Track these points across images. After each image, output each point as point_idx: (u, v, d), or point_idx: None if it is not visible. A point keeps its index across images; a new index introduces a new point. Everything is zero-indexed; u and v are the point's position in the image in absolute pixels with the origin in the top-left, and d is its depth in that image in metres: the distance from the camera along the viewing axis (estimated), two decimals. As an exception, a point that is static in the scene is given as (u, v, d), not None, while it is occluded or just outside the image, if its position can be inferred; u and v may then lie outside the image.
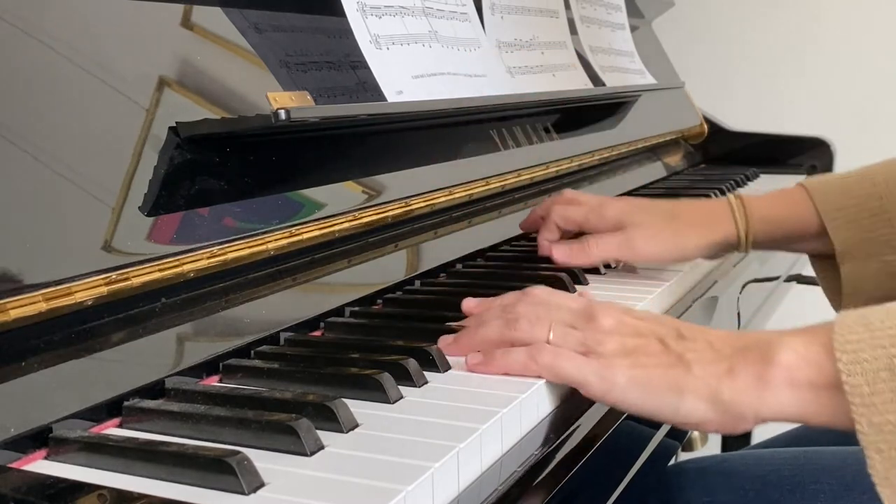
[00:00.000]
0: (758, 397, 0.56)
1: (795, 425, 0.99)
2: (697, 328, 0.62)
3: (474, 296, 0.80)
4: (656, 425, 0.70)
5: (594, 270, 0.90)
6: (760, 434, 1.74)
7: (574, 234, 0.93)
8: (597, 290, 0.85)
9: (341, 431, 0.52)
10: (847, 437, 0.57)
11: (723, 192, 1.42)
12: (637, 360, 0.59)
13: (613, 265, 0.95)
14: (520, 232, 1.04)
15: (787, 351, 0.56)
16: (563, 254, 0.89)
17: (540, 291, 0.68)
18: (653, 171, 1.52)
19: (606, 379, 0.59)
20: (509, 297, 0.69)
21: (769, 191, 0.96)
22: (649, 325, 0.62)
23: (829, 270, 0.93)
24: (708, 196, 1.34)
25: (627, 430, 0.63)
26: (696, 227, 0.91)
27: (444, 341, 0.66)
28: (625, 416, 0.62)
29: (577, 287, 0.85)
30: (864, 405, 0.52)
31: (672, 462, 0.93)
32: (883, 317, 0.54)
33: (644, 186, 1.44)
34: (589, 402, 0.62)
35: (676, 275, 0.90)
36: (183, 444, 0.49)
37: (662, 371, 0.58)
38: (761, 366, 0.56)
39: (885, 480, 0.53)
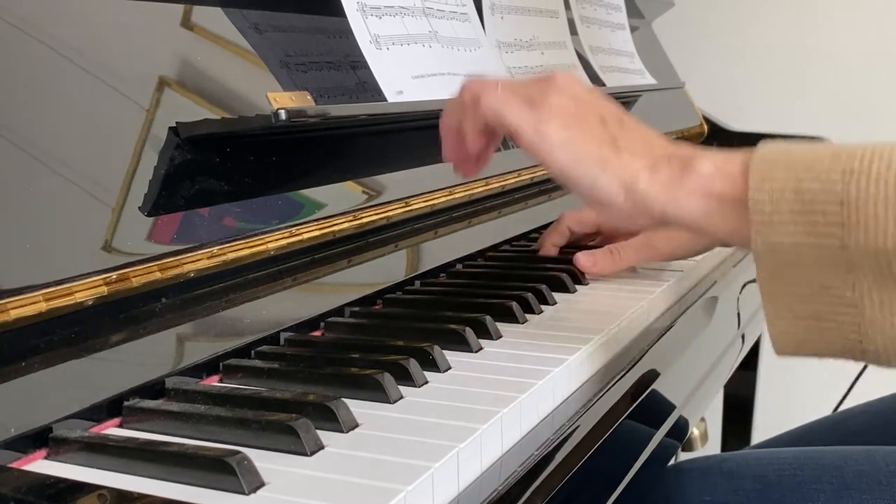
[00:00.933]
0: (668, 196, 0.58)
1: (796, 426, 1.00)
2: (639, 124, 0.63)
3: (474, 296, 0.80)
4: (657, 425, 0.70)
5: None
6: (761, 436, 1.74)
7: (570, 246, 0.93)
8: (596, 289, 0.85)
9: (341, 431, 0.52)
10: (848, 438, 0.57)
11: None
12: (574, 124, 0.61)
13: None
14: (520, 232, 1.04)
15: (706, 162, 0.59)
16: (588, 261, 0.88)
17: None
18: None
19: (540, 132, 0.60)
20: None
21: None
22: (597, 102, 0.63)
23: None
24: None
25: (627, 429, 0.63)
26: None
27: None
28: (625, 415, 0.62)
29: (578, 287, 0.85)
30: (762, 223, 0.54)
31: (672, 462, 0.93)
32: (804, 150, 0.56)
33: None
34: (589, 402, 0.62)
35: (676, 275, 0.90)
36: (183, 444, 0.49)
37: (595, 144, 0.60)
38: (680, 170, 0.59)
39: (769, 296, 0.56)
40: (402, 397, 0.58)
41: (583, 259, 0.88)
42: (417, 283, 0.85)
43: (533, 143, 0.61)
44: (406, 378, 0.60)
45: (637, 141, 0.61)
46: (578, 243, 0.96)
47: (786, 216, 0.53)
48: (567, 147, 0.60)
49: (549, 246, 0.94)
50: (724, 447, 1.73)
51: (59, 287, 0.55)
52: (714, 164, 0.58)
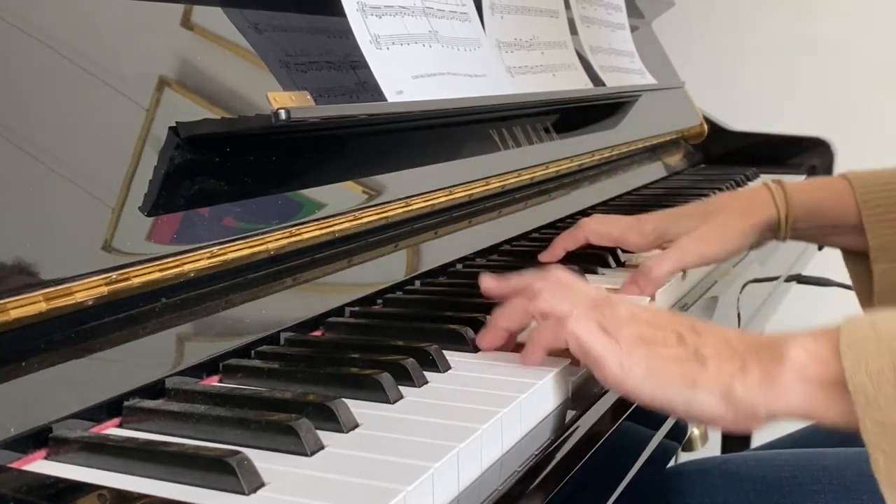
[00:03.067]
0: (769, 394, 0.56)
1: (796, 428, 1.00)
2: (711, 325, 0.62)
3: (474, 296, 0.80)
4: (656, 425, 0.70)
5: (594, 271, 0.90)
6: (761, 437, 1.74)
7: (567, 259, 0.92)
8: (597, 289, 0.85)
9: (341, 431, 0.52)
10: (848, 439, 0.57)
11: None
12: (654, 351, 0.59)
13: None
14: (520, 232, 1.04)
15: (797, 348, 0.56)
16: (633, 290, 0.85)
17: (559, 273, 0.68)
18: (653, 171, 1.52)
19: (624, 366, 0.59)
20: (528, 276, 0.69)
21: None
22: (666, 319, 0.62)
23: (862, 268, 0.91)
24: (708, 196, 1.34)
25: (627, 430, 0.63)
26: (738, 215, 0.90)
27: (479, 337, 0.67)
28: (625, 416, 0.62)
29: (577, 287, 0.85)
30: (868, 405, 0.52)
31: (672, 463, 0.93)
32: (890, 319, 0.54)
33: (644, 186, 1.44)
34: (589, 402, 0.62)
35: (676, 275, 0.90)
36: (183, 444, 0.49)
37: (678, 364, 0.58)
38: (773, 363, 0.56)
39: (889, 480, 0.53)
40: (402, 397, 0.58)
41: (628, 291, 0.85)
42: (417, 283, 0.85)
43: (619, 380, 0.59)
44: (406, 378, 0.60)
45: (718, 344, 0.59)
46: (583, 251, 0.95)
47: (891, 395, 0.52)
48: (652, 376, 0.58)
49: (560, 250, 0.93)
50: (724, 448, 1.73)
51: (59, 287, 0.55)
52: (805, 349, 0.56)
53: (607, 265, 0.93)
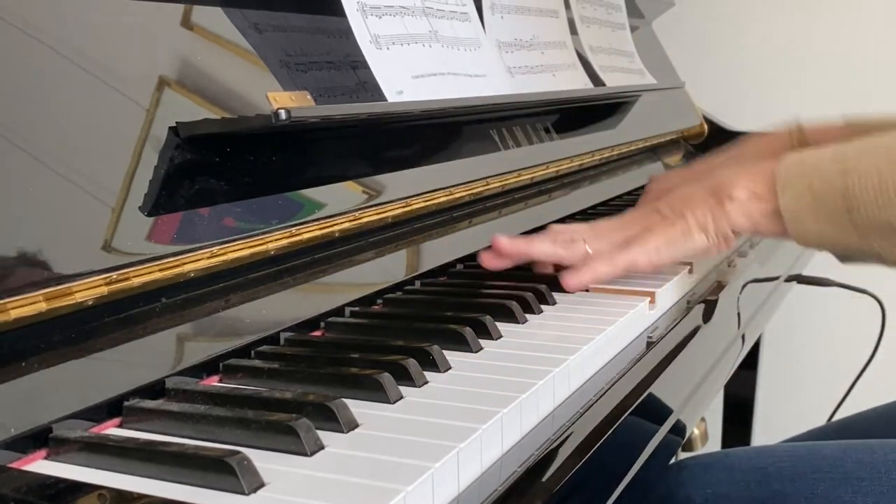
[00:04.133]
0: (727, 221, 0.80)
1: (794, 434, 1.00)
2: (673, 193, 0.85)
3: (474, 296, 0.80)
4: (659, 421, 0.70)
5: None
6: (761, 435, 1.74)
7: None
8: (597, 289, 0.85)
9: (341, 431, 0.52)
10: (848, 435, 0.57)
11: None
12: (658, 233, 0.83)
13: None
14: (520, 232, 1.03)
15: (739, 189, 0.80)
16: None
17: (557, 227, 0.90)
18: (653, 171, 1.52)
19: (646, 251, 0.82)
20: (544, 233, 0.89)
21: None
22: (639, 213, 0.87)
23: None
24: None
25: (627, 430, 0.63)
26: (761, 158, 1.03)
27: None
28: (625, 415, 0.62)
29: (578, 287, 0.85)
30: (791, 219, 0.76)
31: (673, 461, 0.93)
32: (812, 155, 0.77)
33: (644, 186, 1.43)
34: (589, 404, 0.62)
35: (676, 275, 0.90)
36: (183, 444, 0.49)
37: (672, 229, 0.82)
38: (727, 203, 0.80)
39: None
40: (402, 397, 0.58)
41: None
42: (417, 283, 0.85)
43: (648, 262, 0.83)
44: (406, 378, 0.60)
45: (687, 203, 0.83)
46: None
47: (806, 211, 0.75)
48: (663, 247, 0.83)
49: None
50: (724, 447, 1.73)
51: (59, 287, 0.55)
52: (746, 190, 0.80)
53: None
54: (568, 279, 0.82)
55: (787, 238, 0.78)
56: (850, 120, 1.07)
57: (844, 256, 0.79)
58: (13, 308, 0.52)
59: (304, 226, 0.74)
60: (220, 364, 0.62)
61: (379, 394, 0.57)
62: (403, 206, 0.86)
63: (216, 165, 0.71)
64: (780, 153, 1.00)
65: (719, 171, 1.02)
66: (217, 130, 0.71)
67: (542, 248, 0.85)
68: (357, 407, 0.54)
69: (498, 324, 0.72)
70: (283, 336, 0.68)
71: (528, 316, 0.76)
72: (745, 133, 1.73)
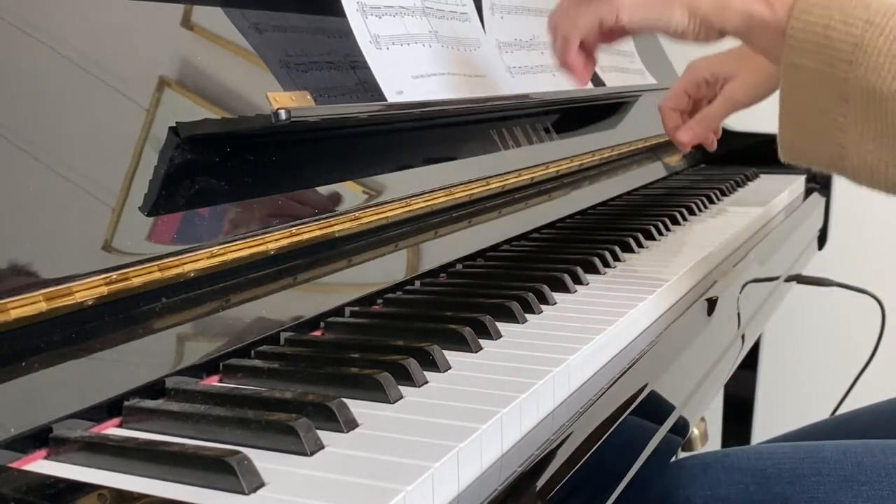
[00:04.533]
0: (722, 14, 0.73)
1: (794, 428, 1.00)
2: None
3: (474, 296, 0.80)
4: (659, 421, 0.70)
5: (594, 270, 0.91)
6: (761, 435, 1.74)
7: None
8: (597, 289, 0.85)
9: (341, 431, 0.52)
10: (848, 435, 0.57)
11: (723, 193, 1.42)
12: None
13: None
14: (520, 232, 1.04)
15: None
16: (687, 135, 1.09)
17: None
18: (653, 171, 1.52)
19: (617, 6, 0.77)
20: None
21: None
22: None
23: None
24: (708, 196, 1.34)
25: (627, 430, 0.63)
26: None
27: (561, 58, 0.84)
28: (625, 415, 0.62)
29: (578, 287, 0.85)
30: (793, 47, 0.68)
31: (672, 460, 0.93)
32: None
33: (644, 186, 1.44)
34: (589, 404, 0.62)
35: (676, 275, 0.90)
36: (183, 444, 0.49)
37: None
38: None
39: (785, 108, 0.69)
40: (402, 397, 0.58)
41: (682, 135, 1.08)
42: (417, 283, 0.85)
43: (616, 20, 0.77)
44: (406, 378, 0.60)
45: None
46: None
47: (811, 45, 0.67)
48: (639, 5, 0.77)
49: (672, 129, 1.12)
50: (724, 447, 1.73)
51: (59, 287, 0.55)
52: None
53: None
54: None
55: (768, 60, 0.72)
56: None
57: (794, 137, 0.71)
58: (13, 308, 0.52)
59: (304, 226, 0.74)
60: (220, 364, 0.62)
61: (379, 394, 0.57)
62: (403, 206, 0.86)
63: (216, 165, 0.71)
64: None
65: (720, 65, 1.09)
66: (217, 130, 0.71)
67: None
68: (357, 407, 0.54)
69: (498, 324, 0.72)
70: (283, 336, 0.68)
71: (528, 316, 0.76)
72: (745, 133, 1.74)
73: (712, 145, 1.14)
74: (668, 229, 1.14)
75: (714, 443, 1.77)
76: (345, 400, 0.54)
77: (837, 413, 1.28)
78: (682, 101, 1.12)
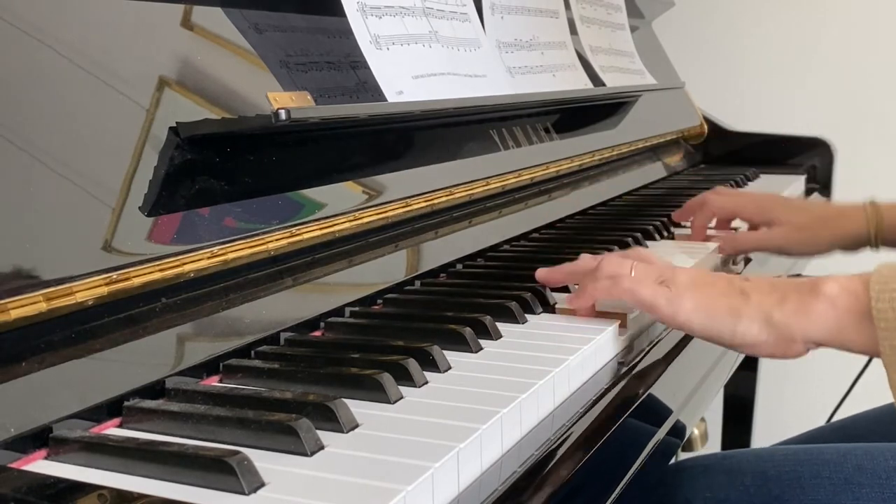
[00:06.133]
0: (804, 320, 0.65)
1: (795, 434, 1.00)
2: (764, 277, 0.72)
3: (474, 296, 0.80)
4: (656, 426, 0.70)
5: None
6: (761, 435, 1.74)
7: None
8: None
9: (341, 431, 0.52)
10: (848, 439, 0.57)
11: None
12: (703, 291, 0.69)
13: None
14: (520, 232, 1.04)
15: (831, 283, 0.65)
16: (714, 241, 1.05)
17: (637, 251, 0.82)
18: (653, 171, 1.52)
19: (675, 302, 0.68)
20: (586, 257, 0.80)
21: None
22: (719, 274, 0.73)
23: None
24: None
25: (627, 430, 0.63)
26: (831, 227, 1.05)
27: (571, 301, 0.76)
28: (625, 416, 0.62)
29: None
30: (887, 329, 0.61)
31: (672, 461, 0.93)
32: None
33: (644, 186, 1.44)
34: (589, 404, 0.62)
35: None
36: (183, 444, 0.49)
37: (724, 299, 0.68)
38: (809, 295, 0.65)
39: None
40: (402, 397, 0.58)
41: (702, 235, 1.08)
42: (417, 283, 0.85)
43: (671, 316, 0.69)
44: (406, 378, 0.60)
45: (762, 283, 0.68)
46: None
47: None
48: (699, 310, 0.68)
49: (699, 229, 1.10)
50: (724, 447, 1.73)
51: (59, 287, 0.55)
52: (838, 284, 0.65)
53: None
54: (571, 298, 0.76)
55: (871, 353, 0.64)
56: None
57: None
58: (13, 308, 0.52)
59: (304, 226, 0.74)
60: (220, 364, 0.62)
61: (379, 394, 0.57)
62: (403, 206, 0.86)
63: (216, 165, 0.71)
64: (848, 228, 1.04)
65: (778, 208, 1.07)
66: (217, 130, 0.71)
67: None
68: (357, 407, 0.54)
69: (498, 324, 0.72)
70: (283, 336, 0.68)
71: (528, 316, 0.76)
72: (745, 133, 1.74)
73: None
74: (667, 229, 1.14)
75: (714, 443, 1.77)
76: (345, 400, 0.54)
77: (837, 414, 1.28)
78: (727, 216, 1.11)
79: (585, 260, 0.79)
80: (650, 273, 0.72)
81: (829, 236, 1.05)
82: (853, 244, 1.06)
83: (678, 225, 1.19)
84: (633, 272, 0.72)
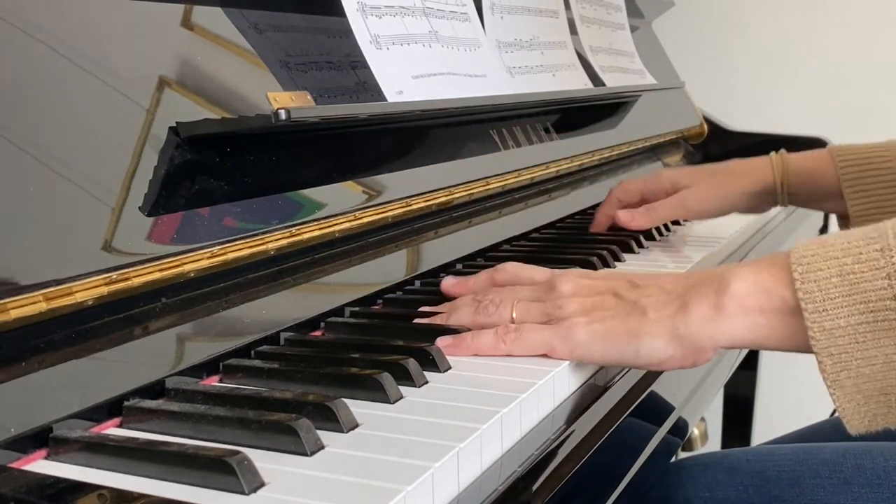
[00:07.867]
0: (712, 326, 0.60)
1: (796, 428, 1.00)
2: (649, 276, 0.65)
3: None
4: (656, 425, 0.70)
5: (593, 267, 0.91)
6: (761, 435, 1.74)
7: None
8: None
9: (341, 431, 0.52)
10: (848, 437, 0.57)
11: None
12: (595, 316, 0.63)
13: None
14: (520, 232, 1.04)
15: (738, 281, 0.60)
16: (627, 216, 1.03)
17: (509, 266, 0.73)
18: (653, 171, 1.52)
19: (568, 339, 0.63)
20: (481, 277, 0.74)
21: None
22: (604, 282, 0.65)
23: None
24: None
25: (627, 430, 0.63)
26: (738, 177, 1.05)
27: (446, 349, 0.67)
28: (625, 415, 0.62)
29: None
30: (816, 311, 0.56)
31: (672, 460, 0.93)
32: (836, 236, 0.58)
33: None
34: (589, 404, 0.62)
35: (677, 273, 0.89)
36: (183, 444, 0.49)
37: (620, 321, 0.62)
38: (714, 297, 0.60)
39: (835, 382, 0.57)
40: (402, 397, 0.58)
41: (622, 215, 1.03)
42: (417, 283, 0.85)
43: (569, 353, 0.63)
44: (406, 378, 0.60)
45: (656, 293, 0.62)
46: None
47: (837, 300, 0.55)
48: (597, 339, 0.62)
49: (602, 217, 1.07)
50: (724, 447, 1.73)
51: (59, 287, 0.55)
52: (744, 281, 0.59)
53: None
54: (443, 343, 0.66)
55: (798, 350, 0.59)
56: (834, 150, 1.05)
57: (877, 393, 0.57)
58: (13, 308, 0.52)
59: (304, 226, 0.74)
60: (220, 364, 0.62)
61: (379, 394, 0.57)
62: (403, 206, 0.86)
63: (216, 165, 0.71)
64: (757, 177, 1.04)
65: (681, 177, 1.06)
66: (217, 130, 0.71)
67: (459, 317, 0.70)
68: (357, 407, 0.54)
69: (498, 324, 0.72)
70: (283, 336, 0.68)
71: (528, 316, 0.76)
72: (745, 133, 1.74)
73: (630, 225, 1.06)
74: (668, 229, 1.14)
75: (714, 443, 1.77)
76: (345, 400, 0.54)
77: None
78: (633, 198, 1.08)
79: (469, 285, 0.73)
80: (531, 311, 0.66)
81: (739, 190, 1.05)
82: (764, 198, 1.06)
83: (678, 224, 1.19)
84: (514, 313, 0.66)
